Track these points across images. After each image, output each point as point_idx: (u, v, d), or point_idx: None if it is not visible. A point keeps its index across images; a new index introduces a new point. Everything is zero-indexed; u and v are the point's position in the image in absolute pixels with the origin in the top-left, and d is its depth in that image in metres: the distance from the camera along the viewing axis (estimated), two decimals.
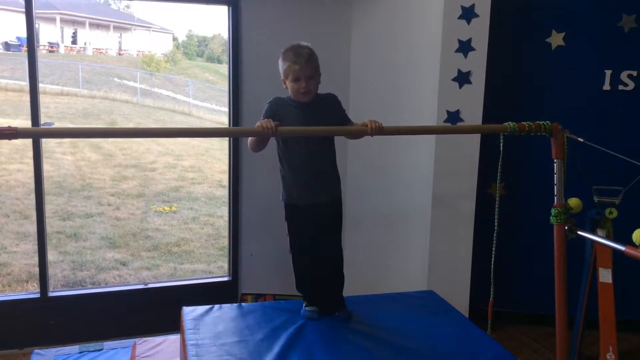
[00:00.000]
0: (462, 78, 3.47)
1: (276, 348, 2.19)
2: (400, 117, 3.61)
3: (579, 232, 2.52)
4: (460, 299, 3.58)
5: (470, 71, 3.46)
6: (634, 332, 3.77)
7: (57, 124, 11.17)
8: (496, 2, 3.42)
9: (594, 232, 3.11)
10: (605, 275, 3.18)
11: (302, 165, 2.45)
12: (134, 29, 23.86)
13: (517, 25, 3.66)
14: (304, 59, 2.36)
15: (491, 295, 2.64)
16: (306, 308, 2.54)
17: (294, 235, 2.55)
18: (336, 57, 3.86)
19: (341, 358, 2.15)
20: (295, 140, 2.41)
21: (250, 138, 2.44)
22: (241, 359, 2.11)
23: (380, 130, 2.29)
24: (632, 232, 2.19)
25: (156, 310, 3.54)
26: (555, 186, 2.51)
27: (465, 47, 3.44)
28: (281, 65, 2.42)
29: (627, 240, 2.20)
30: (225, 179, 8.96)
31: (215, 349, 2.18)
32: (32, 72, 3.28)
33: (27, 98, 3.36)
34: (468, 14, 3.41)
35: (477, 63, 3.46)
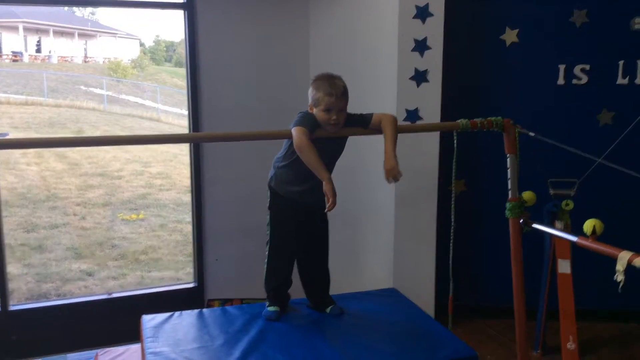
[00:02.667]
0: (420, 77, 3.51)
1: (236, 352, 2.19)
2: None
3: (534, 225, 2.57)
4: (425, 294, 3.63)
5: (427, 70, 3.51)
6: (595, 321, 3.85)
7: (23, 134, 10.99)
8: (450, 0, 3.47)
9: (552, 225, 3.17)
10: (564, 266, 3.25)
11: (308, 176, 2.43)
12: (100, 36, 23.58)
13: (471, 23, 3.71)
14: (340, 92, 2.40)
15: (450, 291, 2.68)
16: (268, 308, 2.56)
17: (277, 227, 2.57)
18: (295, 59, 3.89)
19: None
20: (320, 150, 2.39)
21: (309, 154, 2.35)
22: None
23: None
24: None
25: (120, 320, 3.48)
26: (509, 180, 2.56)
27: (421, 46, 3.48)
28: (313, 93, 2.44)
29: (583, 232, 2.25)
30: None
31: (174, 355, 2.17)
32: None
33: None
34: (423, 13, 3.45)
35: (434, 61, 3.50)
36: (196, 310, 2.60)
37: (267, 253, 2.64)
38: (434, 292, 3.71)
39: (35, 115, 13.83)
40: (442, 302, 3.59)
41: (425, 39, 3.47)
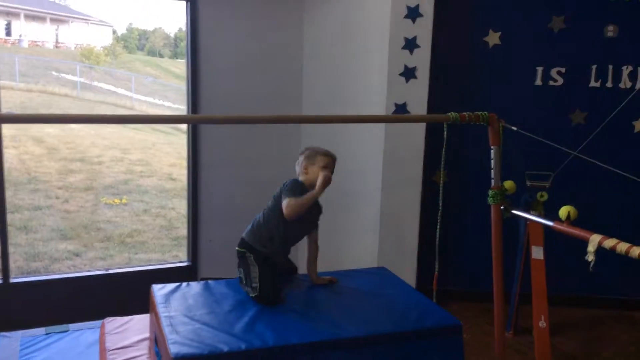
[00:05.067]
0: (409, 73, 3.74)
1: (245, 318, 2.38)
2: (351, 110, 3.85)
3: (514, 211, 2.81)
4: (407, 278, 3.84)
5: (415, 67, 3.73)
6: (564, 306, 4.14)
7: None
8: (439, 2, 3.70)
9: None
10: (537, 252, 3.51)
11: (294, 239, 2.80)
12: (72, 21, 23.25)
13: (458, 24, 3.95)
14: (334, 157, 2.74)
15: (436, 269, 2.91)
16: None
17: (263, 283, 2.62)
18: (289, 53, 4.07)
19: (305, 325, 2.35)
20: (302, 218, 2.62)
21: (298, 205, 2.54)
22: (212, 327, 2.28)
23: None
24: None
25: (119, 295, 3.66)
26: (492, 170, 2.78)
27: (411, 45, 3.71)
28: (309, 156, 2.72)
29: (557, 219, 2.49)
30: (175, 172, 9.06)
31: (187, 319, 2.35)
32: None
33: None
34: (413, 13, 3.67)
35: (422, 59, 3.73)
36: (202, 282, 2.77)
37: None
38: (416, 274, 3.95)
39: (7, 100, 13.66)
40: (424, 284, 3.84)
41: (415, 38, 3.70)
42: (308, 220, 2.75)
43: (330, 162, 2.71)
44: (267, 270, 2.61)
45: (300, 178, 2.71)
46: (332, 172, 2.70)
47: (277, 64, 4.08)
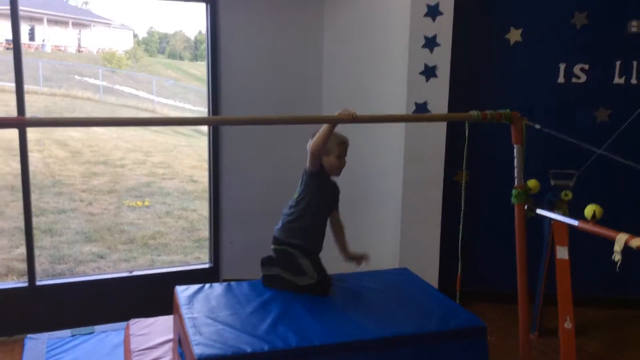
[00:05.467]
0: (429, 72, 3.72)
1: (268, 319, 2.38)
2: (371, 109, 3.83)
3: (538, 211, 2.78)
4: (429, 279, 3.82)
5: (436, 65, 3.71)
6: (589, 307, 4.08)
7: None
8: (459, 0, 3.67)
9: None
10: (562, 252, 3.45)
11: (321, 224, 2.82)
12: (93, 26, 23.57)
13: (478, 22, 3.92)
14: (346, 141, 2.77)
15: (459, 270, 2.88)
16: None
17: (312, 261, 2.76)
18: (310, 53, 4.07)
19: (328, 326, 2.35)
20: (324, 202, 2.77)
21: (315, 139, 2.63)
22: (236, 328, 2.29)
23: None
24: None
25: (143, 296, 3.70)
26: (515, 169, 2.75)
27: (431, 43, 3.68)
28: None
29: (582, 218, 2.46)
30: (196, 174, 9.13)
31: (210, 321, 2.36)
32: (18, 66, 3.38)
33: None
34: (433, 12, 3.65)
35: (442, 58, 3.70)
36: (225, 283, 2.79)
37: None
38: (438, 275, 3.92)
39: (31, 104, 13.84)
40: (446, 285, 3.82)
41: (435, 37, 3.68)
42: (329, 203, 2.82)
43: (343, 150, 2.75)
44: (317, 259, 2.73)
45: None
46: (345, 156, 2.76)
47: (297, 65, 4.09)
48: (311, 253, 2.75)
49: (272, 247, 2.81)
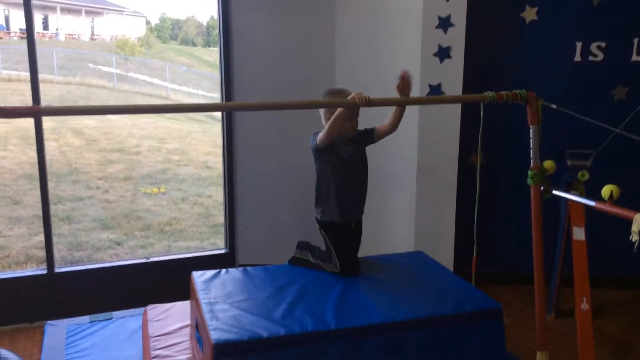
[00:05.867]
0: (443, 53, 3.67)
1: (284, 304, 2.40)
2: (384, 92, 3.78)
3: (554, 192, 2.75)
4: (444, 262, 3.81)
5: (450, 46, 3.66)
6: (606, 288, 4.06)
7: None
8: None
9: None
10: (578, 233, 3.43)
11: (347, 184, 2.77)
12: (106, 13, 23.59)
13: (493, 1, 3.86)
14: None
15: (474, 252, 2.87)
16: None
17: (337, 249, 2.78)
18: (322, 35, 4.03)
19: (344, 310, 2.36)
20: (346, 160, 2.75)
21: (327, 126, 2.64)
22: (252, 313, 2.31)
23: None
24: None
25: (160, 282, 3.72)
26: (531, 150, 2.73)
27: (445, 24, 3.64)
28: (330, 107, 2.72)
29: (599, 199, 2.43)
30: (210, 160, 9.15)
31: (227, 306, 2.38)
32: (32, 56, 3.40)
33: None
34: None
35: (457, 38, 3.66)
36: (241, 268, 2.80)
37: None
38: (453, 258, 3.91)
39: (46, 93, 13.94)
40: (461, 267, 3.81)
41: (449, 17, 3.63)
42: (353, 161, 2.77)
43: (353, 112, 2.71)
44: (339, 244, 2.75)
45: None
46: (356, 117, 2.74)
47: (309, 48, 4.05)
48: (337, 232, 2.76)
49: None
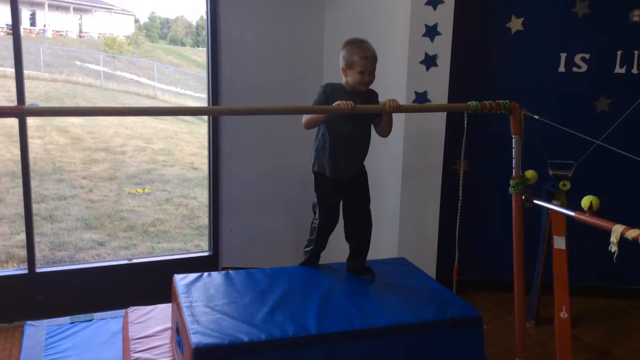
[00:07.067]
0: (429, 61, 3.70)
1: (265, 308, 2.40)
2: None
3: (535, 201, 2.79)
4: (427, 268, 3.84)
5: (436, 54, 3.70)
6: (586, 297, 4.10)
7: None
8: None
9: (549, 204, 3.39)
10: (559, 242, 3.46)
11: (342, 144, 2.76)
12: (95, 11, 23.41)
13: (479, 11, 3.89)
14: (372, 56, 2.69)
15: (456, 260, 2.90)
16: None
17: (320, 202, 2.86)
18: (311, 40, 4.05)
19: (325, 315, 2.37)
20: (344, 118, 2.69)
21: (308, 117, 2.70)
22: (233, 317, 2.32)
23: (397, 108, 2.58)
24: None
25: (142, 284, 3.71)
26: (513, 159, 2.76)
27: (431, 32, 3.67)
28: (347, 56, 2.72)
29: (579, 209, 2.46)
30: (197, 161, 9.12)
31: (208, 310, 2.38)
32: (18, 54, 3.38)
33: None
34: (434, 0, 3.63)
35: (443, 47, 3.69)
36: (223, 272, 2.81)
37: (314, 227, 2.92)
38: (436, 264, 3.94)
39: (32, 90, 13.80)
40: (444, 273, 3.83)
41: (435, 25, 3.66)
42: (353, 120, 2.71)
43: (367, 65, 2.66)
44: (319, 193, 2.83)
45: (343, 79, 2.75)
46: (372, 72, 2.70)
47: (298, 53, 4.07)
48: (323, 183, 2.80)
49: None
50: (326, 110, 2.63)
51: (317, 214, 2.90)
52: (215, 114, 3.87)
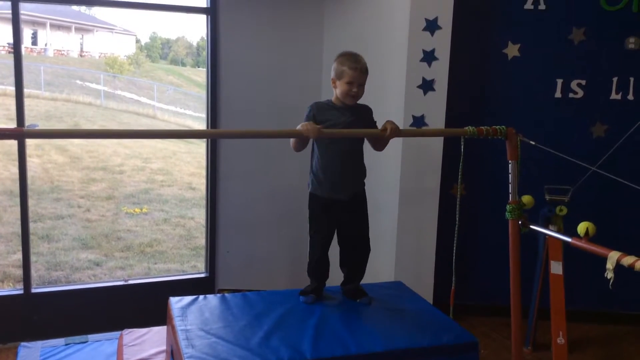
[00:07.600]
0: (427, 85, 3.73)
1: (261, 332, 2.39)
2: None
3: (532, 226, 2.79)
4: (424, 291, 3.83)
5: (433, 79, 3.73)
6: (583, 322, 4.08)
7: None
8: (457, 15, 3.69)
9: (546, 229, 3.39)
10: (556, 268, 3.47)
11: (334, 163, 2.71)
12: (96, 31, 23.59)
13: (476, 36, 3.93)
14: (363, 68, 2.67)
15: (453, 284, 2.89)
16: (304, 297, 2.78)
17: (314, 224, 2.79)
18: (309, 64, 4.08)
19: (320, 340, 2.35)
20: (331, 140, 2.66)
21: (292, 139, 2.67)
22: (228, 341, 2.30)
23: (397, 133, 2.57)
24: None
25: (138, 305, 3.70)
26: (510, 185, 2.77)
27: (429, 57, 3.70)
28: (337, 67, 2.68)
29: (575, 235, 2.46)
30: (195, 181, 9.13)
31: (203, 333, 2.37)
32: (18, 76, 3.40)
33: None
34: (432, 26, 3.67)
35: (440, 72, 3.72)
36: (219, 295, 2.79)
37: (310, 246, 2.85)
38: (433, 288, 3.92)
39: (32, 108, 13.85)
40: (441, 297, 3.82)
41: (433, 50, 3.69)
42: (339, 142, 2.67)
43: (356, 76, 2.61)
44: (313, 215, 2.75)
45: (333, 94, 2.71)
46: (361, 85, 2.65)
47: (297, 74, 4.10)
48: (316, 204, 2.74)
49: None
50: (289, 135, 2.62)
51: (310, 247, 2.83)
52: (212, 136, 3.89)
